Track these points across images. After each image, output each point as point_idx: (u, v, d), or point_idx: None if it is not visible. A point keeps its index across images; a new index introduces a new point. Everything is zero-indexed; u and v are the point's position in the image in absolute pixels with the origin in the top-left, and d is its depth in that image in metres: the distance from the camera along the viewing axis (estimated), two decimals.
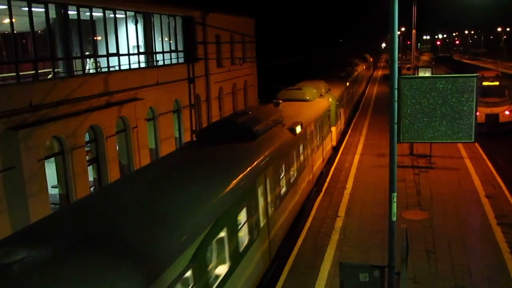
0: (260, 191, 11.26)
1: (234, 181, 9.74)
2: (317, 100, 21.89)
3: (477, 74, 6.40)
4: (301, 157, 16.27)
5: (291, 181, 14.75)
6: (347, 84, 33.77)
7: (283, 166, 13.66)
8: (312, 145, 18.26)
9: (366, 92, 53.29)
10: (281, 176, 13.35)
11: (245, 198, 10.01)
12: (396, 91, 6.41)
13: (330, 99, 24.40)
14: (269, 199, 12.01)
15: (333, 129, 24.52)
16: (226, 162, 10.78)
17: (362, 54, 79.23)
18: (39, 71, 17.45)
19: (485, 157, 22.54)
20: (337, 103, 25.88)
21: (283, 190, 13.63)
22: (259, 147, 12.35)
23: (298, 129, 15.57)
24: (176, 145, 25.57)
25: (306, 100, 20.95)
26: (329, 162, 23.01)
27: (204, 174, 9.64)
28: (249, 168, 10.74)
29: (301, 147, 16.23)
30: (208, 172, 9.79)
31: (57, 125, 16.73)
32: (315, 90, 22.75)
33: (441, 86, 6.34)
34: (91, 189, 18.74)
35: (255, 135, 12.81)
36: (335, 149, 25.17)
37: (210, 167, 10.19)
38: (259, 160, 11.54)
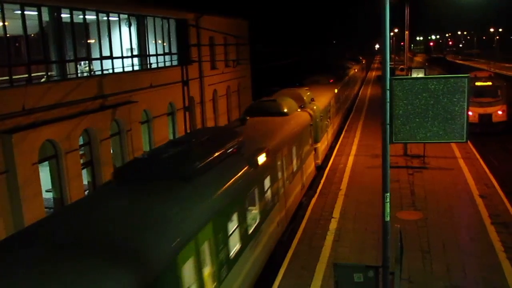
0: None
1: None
2: (296, 114, 18.50)
3: (468, 75, 6.45)
4: (268, 195, 12.65)
5: (249, 233, 10.92)
6: (336, 90, 30.12)
7: (235, 216, 9.91)
8: (285, 173, 14.78)
9: (360, 94, 53.40)
10: (229, 233, 9.43)
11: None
12: (388, 92, 6.45)
13: (313, 111, 20.78)
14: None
15: (318, 145, 21.52)
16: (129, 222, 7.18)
17: (355, 56, 77.51)
18: (32, 75, 17.43)
19: (478, 156, 22.63)
20: (322, 115, 22.62)
21: (235, 252, 9.76)
22: (192, 193, 8.58)
23: (262, 158, 11.99)
24: None
25: (281, 114, 17.45)
26: (325, 161, 23.04)
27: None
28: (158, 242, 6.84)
29: (267, 181, 12.60)
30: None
31: (51, 128, 16.71)
32: (293, 102, 19.39)
33: (432, 87, 6.39)
34: (86, 192, 18.71)
35: (188, 177, 8.82)
36: (319, 169, 21.82)
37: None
38: (182, 222, 7.63)
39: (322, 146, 22.81)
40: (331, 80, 32.70)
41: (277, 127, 15.61)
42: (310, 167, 19.45)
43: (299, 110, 19.54)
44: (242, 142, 11.97)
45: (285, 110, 17.75)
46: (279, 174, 14.04)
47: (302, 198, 17.70)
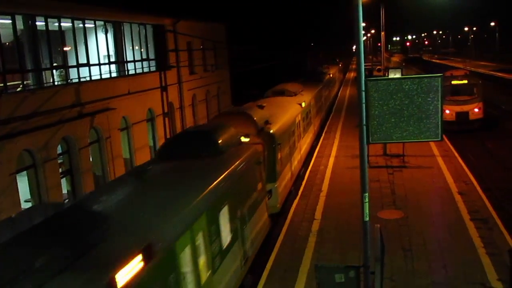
0: None
1: None
2: (235, 150, 12.81)
3: (441, 74, 6.54)
4: None
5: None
6: (305, 103, 24.63)
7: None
8: (205, 259, 9.09)
9: (339, 95, 53.74)
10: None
11: None
12: (363, 93, 6.52)
13: (268, 138, 16.25)
14: None
15: (276, 185, 16.27)
16: None
17: (331, 58, 74.46)
18: (8, 84, 17.20)
19: (456, 154, 22.94)
20: (280, 142, 17.19)
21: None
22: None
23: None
24: (151, 154, 25.43)
25: (210, 154, 11.71)
26: (306, 162, 23.12)
27: None
28: None
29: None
30: None
31: (28, 138, 16.50)
32: (232, 131, 13.61)
33: (407, 87, 6.47)
34: (65, 201, 18.50)
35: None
36: (279, 214, 16.72)
37: None
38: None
39: (283, 182, 17.38)
40: (301, 91, 26.79)
41: (197, 181, 10.05)
42: (258, 224, 13.30)
43: (244, 139, 14.94)
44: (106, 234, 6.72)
45: (216, 147, 12.03)
46: (198, 260, 8.64)
47: (246, 278, 11.76)
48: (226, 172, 11.02)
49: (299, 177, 21.19)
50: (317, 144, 27.27)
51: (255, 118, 16.70)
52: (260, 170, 14.14)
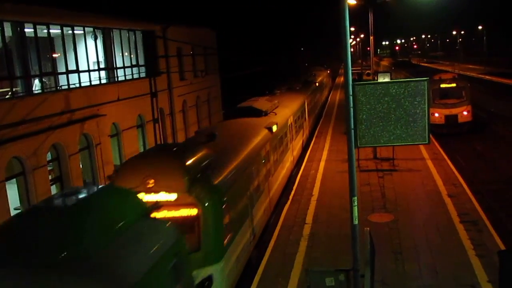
0: None
1: None
2: (122, 241, 6.58)
3: (427, 78, 6.62)
4: None
5: None
6: (277, 126, 18.29)
7: None
8: None
9: (329, 99, 53.90)
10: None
11: None
12: (351, 97, 6.57)
13: (201, 199, 10.21)
14: None
15: (220, 266, 10.36)
16: None
17: (319, 65, 66.21)
18: None
19: (446, 157, 23.08)
20: (230, 199, 11.41)
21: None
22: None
23: None
24: None
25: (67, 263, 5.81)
26: (296, 166, 23.10)
27: None
28: None
29: None
30: None
31: (17, 145, 16.42)
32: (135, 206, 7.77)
33: (394, 91, 6.53)
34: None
35: None
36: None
37: None
38: None
39: (232, 259, 11.32)
40: (275, 107, 21.30)
41: None
42: None
43: (166, 198, 10.03)
44: None
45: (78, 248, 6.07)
46: None
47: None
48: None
49: (290, 181, 21.22)
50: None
51: (187, 162, 10.66)
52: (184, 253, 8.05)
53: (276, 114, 20.12)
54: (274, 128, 17.93)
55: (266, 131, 17.25)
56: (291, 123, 22.81)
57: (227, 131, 15.75)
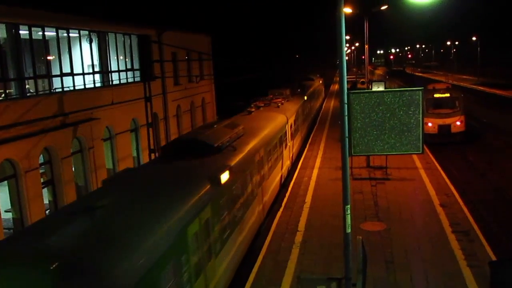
0: None
1: None
2: None
3: (422, 88, 6.64)
4: None
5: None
6: (230, 173, 11.95)
7: None
8: None
9: (323, 107, 53.99)
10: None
11: None
12: (346, 106, 6.58)
13: None
14: None
15: None
16: None
17: (312, 73, 59.78)
18: None
19: (438, 167, 23.16)
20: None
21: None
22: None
23: None
24: (134, 165, 25.27)
25: None
26: (290, 174, 23.10)
27: None
28: None
29: None
30: None
31: (9, 147, 16.32)
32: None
33: (388, 100, 6.55)
34: (47, 212, 18.28)
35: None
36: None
37: None
38: None
39: None
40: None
41: None
42: None
43: None
44: None
45: None
46: None
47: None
48: None
49: (283, 188, 21.20)
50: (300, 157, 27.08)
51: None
52: None
53: (235, 149, 14.25)
54: (224, 177, 11.48)
55: (207, 185, 10.78)
56: (261, 158, 16.60)
57: (131, 194, 9.57)
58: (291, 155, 24.53)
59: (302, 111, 31.15)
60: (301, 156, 27.30)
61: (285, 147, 22.77)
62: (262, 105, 25.49)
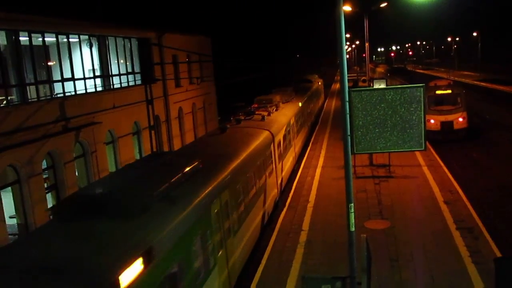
0: None
1: None
2: None
3: (423, 84, 6.63)
4: None
5: None
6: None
7: None
8: None
9: (325, 107, 53.92)
10: None
11: None
12: (347, 103, 6.56)
13: None
14: None
15: None
16: None
17: (308, 76, 52.79)
18: None
19: (442, 164, 23.10)
20: None
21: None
22: None
23: None
24: None
25: None
26: (293, 174, 23.07)
27: None
28: None
29: None
30: None
31: (12, 153, 16.34)
32: None
33: (390, 97, 6.52)
34: (51, 217, 18.28)
35: None
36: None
37: None
38: None
39: None
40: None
41: None
42: None
43: None
44: None
45: None
46: None
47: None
48: None
49: (286, 188, 21.17)
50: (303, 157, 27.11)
51: None
52: None
53: (172, 204, 9.07)
54: (125, 279, 6.65)
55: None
56: (224, 206, 11.67)
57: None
58: (279, 182, 20.04)
59: (296, 121, 26.96)
60: (302, 156, 27.27)
61: (269, 174, 18.05)
62: (243, 118, 20.96)
